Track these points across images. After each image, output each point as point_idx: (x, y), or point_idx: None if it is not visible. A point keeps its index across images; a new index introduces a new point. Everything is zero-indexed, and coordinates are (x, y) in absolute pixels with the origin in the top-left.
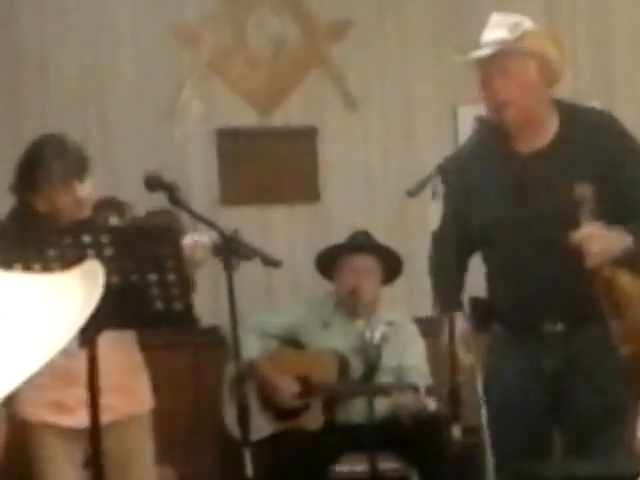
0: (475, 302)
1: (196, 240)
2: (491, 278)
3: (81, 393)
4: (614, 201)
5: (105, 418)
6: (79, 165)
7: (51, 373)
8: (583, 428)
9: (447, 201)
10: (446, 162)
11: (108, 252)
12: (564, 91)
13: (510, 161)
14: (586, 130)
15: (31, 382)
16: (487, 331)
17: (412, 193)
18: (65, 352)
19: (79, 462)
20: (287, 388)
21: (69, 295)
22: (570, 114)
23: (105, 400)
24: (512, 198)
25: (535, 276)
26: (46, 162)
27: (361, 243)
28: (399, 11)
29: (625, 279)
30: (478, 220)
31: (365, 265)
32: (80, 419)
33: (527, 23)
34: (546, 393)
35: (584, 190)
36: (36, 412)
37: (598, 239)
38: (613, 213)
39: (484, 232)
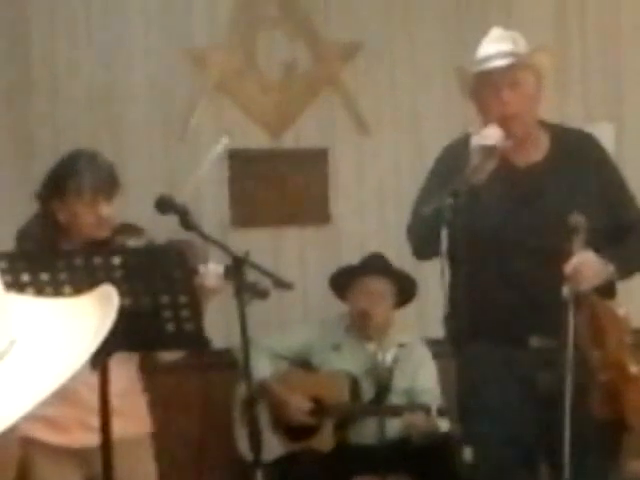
0: (451, 322)
1: (209, 268)
2: (475, 291)
3: (77, 412)
4: (596, 223)
5: (94, 440)
6: (109, 183)
7: None
8: (575, 451)
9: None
10: (458, 185)
11: (119, 274)
12: (574, 112)
13: (505, 173)
14: (576, 149)
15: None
16: (466, 349)
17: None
18: None
19: None
20: (299, 405)
21: (84, 320)
22: (559, 132)
23: (95, 421)
24: (508, 209)
25: (523, 287)
26: (79, 173)
27: (375, 266)
28: (409, 33)
29: (617, 307)
30: (473, 228)
31: (378, 288)
32: (74, 438)
33: (522, 39)
34: (535, 412)
35: (578, 219)
36: (27, 428)
37: (591, 265)
38: (593, 236)
39: (477, 239)
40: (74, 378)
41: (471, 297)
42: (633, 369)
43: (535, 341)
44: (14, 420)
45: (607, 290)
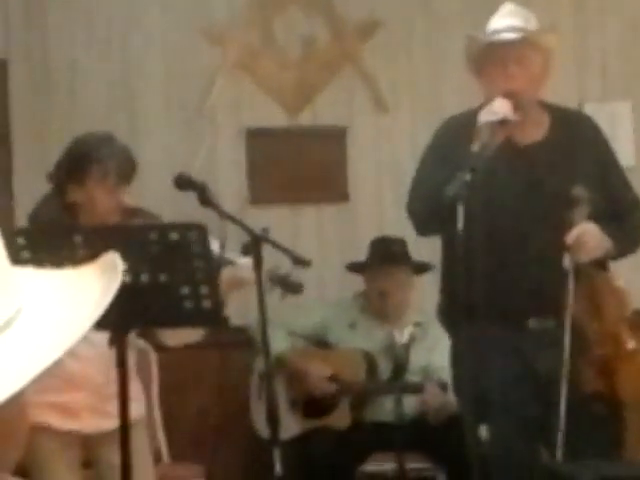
0: (444, 306)
1: (245, 261)
2: (473, 271)
3: (86, 397)
4: (595, 202)
5: (109, 424)
6: (130, 169)
7: (55, 376)
8: (572, 429)
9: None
10: (474, 161)
11: (137, 250)
12: (592, 91)
13: (507, 150)
14: (575, 129)
15: (33, 384)
16: (465, 330)
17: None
18: (71, 355)
19: (77, 465)
20: (319, 373)
21: (87, 286)
22: (559, 113)
23: (110, 407)
24: (509, 187)
25: (524, 267)
26: (103, 159)
27: (393, 253)
28: (428, 10)
29: (617, 279)
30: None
31: (396, 275)
32: (85, 424)
33: (534, 18)
34: (534, 393)
35: (580, 192)
36: (37, 414)
37: (594, 236)
38: (597, 213)
39: (478, 217)
40: (77, 359)
41: (470, 277)
42: (630, 344)
43: (534, 323)
44: (19, 388)
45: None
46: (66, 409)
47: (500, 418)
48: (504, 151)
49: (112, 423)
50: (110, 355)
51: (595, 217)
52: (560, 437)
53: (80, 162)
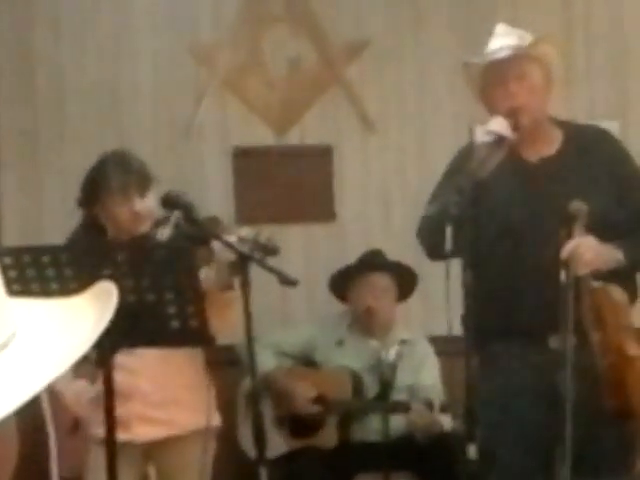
0: (469, 320)
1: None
2: (489, 289)
3: (137, 407)
4: (611, 216)
5: (161, 432)
6: (140, 180)
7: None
8: (593, 452)
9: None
10: (464, 182)
11: (124, 270)
12: (578, 110)
13: (517, 168)
14: (590, 144)
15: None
16: (484, 350)
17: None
18: (119, 368)
19: (135, 476)
20: (305, 394)
21: (81, 314)
22: (573, 128)
23: (161, 414)
24: (519, 204)
25: (539, 284)
26: (107, 174)
27: (375, 262)
28: (416, 31)
29: (614, 290)
30: (485, 225)
31: (380, 283)
32: (137, 433)
33: (529, 36)
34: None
35: (579, 206)
36: (95, 430)
37: (590, 248)
38: (609, 228)
39: (489, 235)
40: (129, 371)
41: (488, 295)
42: (632, 350)
43: (555, 341)
44: (10, 410)
45: (630, 293)
46: (120, 421)
47: (514, 438)
48: (513, 167)
49: (163, 431)
50: (157, 364)
51: (611, 232)
52: (567, 458)
53: (91, 183)
